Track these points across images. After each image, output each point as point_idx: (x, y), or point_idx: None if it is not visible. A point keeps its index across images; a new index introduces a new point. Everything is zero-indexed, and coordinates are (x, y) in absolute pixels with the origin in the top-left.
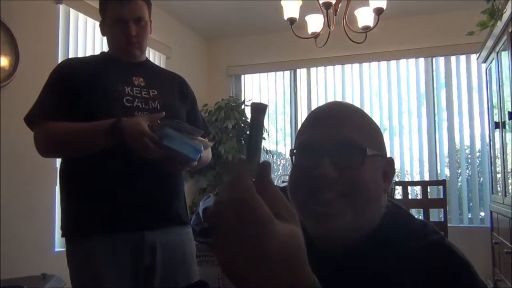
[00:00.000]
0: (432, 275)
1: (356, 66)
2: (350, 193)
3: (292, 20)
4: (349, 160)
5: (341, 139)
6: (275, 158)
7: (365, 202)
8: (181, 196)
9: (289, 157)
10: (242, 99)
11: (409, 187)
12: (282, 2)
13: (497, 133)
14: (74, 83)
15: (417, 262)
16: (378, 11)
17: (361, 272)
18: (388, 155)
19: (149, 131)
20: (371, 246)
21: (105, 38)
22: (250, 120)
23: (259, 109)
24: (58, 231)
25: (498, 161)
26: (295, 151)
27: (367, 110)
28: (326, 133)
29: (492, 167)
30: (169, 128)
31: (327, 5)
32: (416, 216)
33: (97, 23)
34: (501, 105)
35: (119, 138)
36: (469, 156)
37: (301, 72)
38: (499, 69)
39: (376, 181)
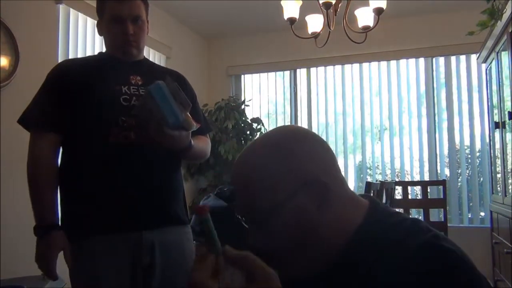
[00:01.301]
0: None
1: (356, 66)
2: (277, 250)
3: (292, 20)
4: (260, 226)
5: (243, 210)
6: None
7: (294, 252)
8: (180, 196)
9: None
10: (242, 99)
11: (409, 187)
12: (282, 2)
13: (497, 133)
14: (70, 85)
15: (404, 278)
16: (378, 11)
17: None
18: (388, 155)
19: (53, 262)
20: (345, 267)
21: (103, 38)
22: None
23: (201, 211)
24: None
25: (498, 161)
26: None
27: (367, 110)
28: (237, 205)
29: (492, 167)
30: (164, 84)
31: (327, 5)
32: (416, 217)
33: (96, 23)
34: (501, 105)
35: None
36: (469, 156)
37: (301, 72)
38: (499, 69)
39: (300, 223)
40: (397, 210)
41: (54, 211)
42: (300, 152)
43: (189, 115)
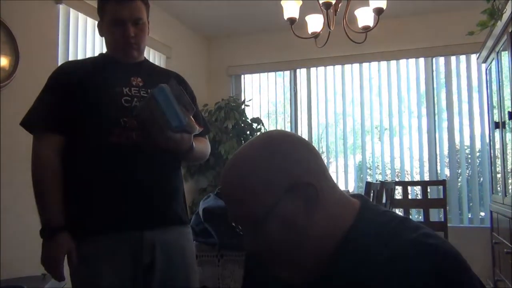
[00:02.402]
0: None
1: (356, 66)
2: (269, 254)
3: (292, 20)
4: (248, 231)
5: (233, 220)
6: None
7: (289, 252)
8: (181, 196)
9: None
10: (242, 99)
11: (409, 187)
12: (282, 2)
13: (497, 133)
14: (71, 87)
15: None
16: (378, 11)
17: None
18: (388, 155)
19: (60, 264)
20: (340, 272)
21: (103, 38)
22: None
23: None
24: None
25: (498, 161)
26: None
27: (367, 110)
28: (228, 214)
29: (492, 167)
30: (167, 87)
31: (327, 5)
32: (416, 216)
33: (97, 23)
34: (501, 105)
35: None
36: (469, 156)
37: (301, 72)
38: (499, 69)
39: (288, 228)
40: (387, 209)
41: (60, 212)
42: (285, 156)
43: (192, 118)
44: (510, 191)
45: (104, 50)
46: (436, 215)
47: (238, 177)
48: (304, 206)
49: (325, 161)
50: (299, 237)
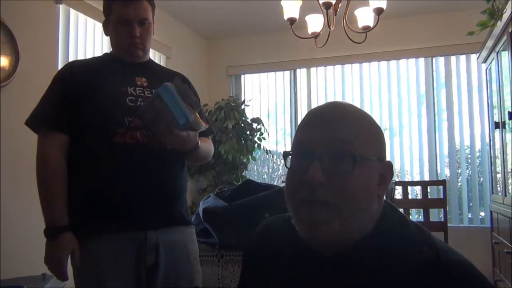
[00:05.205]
0: None
1: (356, 66)
2: (337, 199)
3: (292, 20)
4: (338, 165)
5: (331, 142)
6: (275, 158)
7: (353, 209)
8: (184, 196)
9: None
10: (242, 99)
11: (409, 187)
12: (282, 2)
13: (497, 133)
14: (76, 86)
15: (411, 277)
16: (378, 11)
17: (353, 278)
18: (388, 155)
19: (64, 263)
20: (363, 253)
21: (106, 38)
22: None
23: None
24: None
25: (498, 161)
26: (291, 152)
27: (367, 110)
28: (318, 136)
29: (492, 167)
30: (172, 85)
31: (327, 5)
32: (416, 216)
33: (97, 23)
34: (501, 105)
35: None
36: (469, 156)
37: (301, 72)
38: (499, 69)
39: (367, 187)
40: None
41: (64, 212)
42: (381, 132)
43: (197, 115)
44: (510, 191)
45: (105, 50)
46: (436, 215)
47: (360, 114)
48: (378, 181)
49: None
50: (366, 199)
